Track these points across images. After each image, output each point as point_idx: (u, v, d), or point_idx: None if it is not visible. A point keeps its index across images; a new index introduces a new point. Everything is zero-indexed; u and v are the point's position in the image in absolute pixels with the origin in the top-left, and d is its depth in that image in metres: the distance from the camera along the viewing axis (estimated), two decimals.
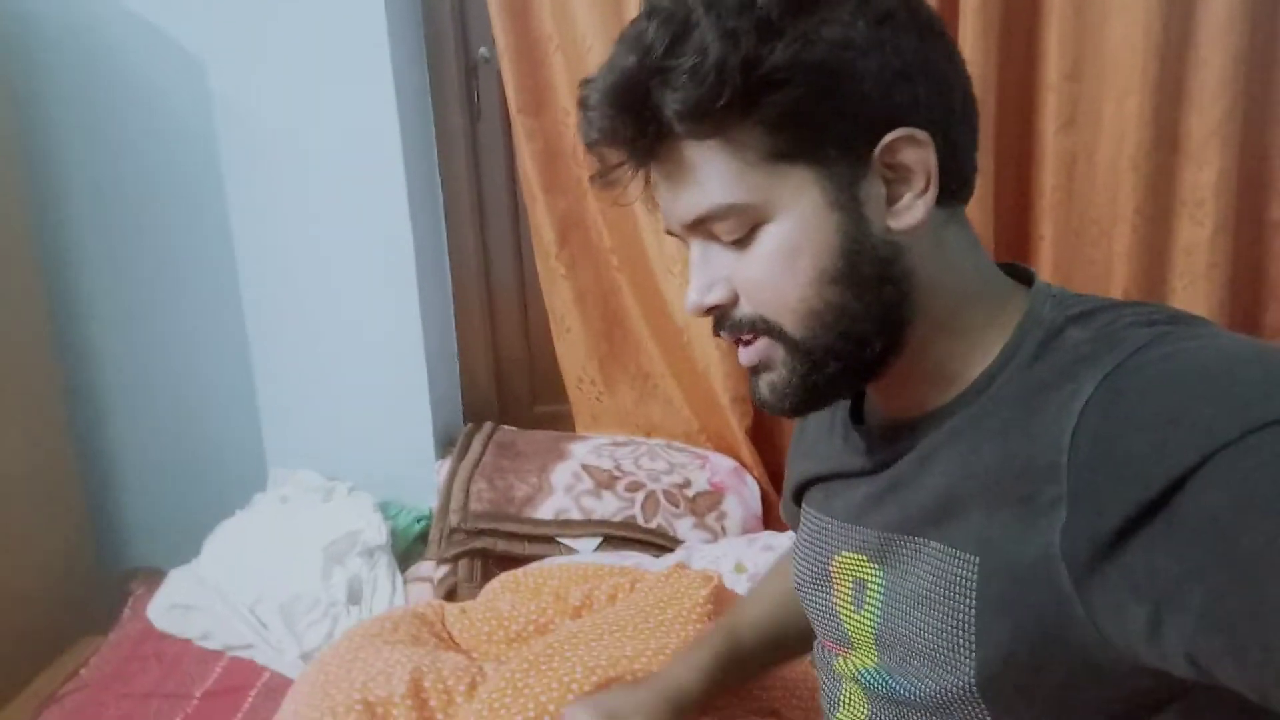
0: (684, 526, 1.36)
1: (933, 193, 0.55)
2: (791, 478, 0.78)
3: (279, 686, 1.22)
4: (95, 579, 1.60)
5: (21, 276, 1.47)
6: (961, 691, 0.55)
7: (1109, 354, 0.50)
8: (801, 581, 0.71)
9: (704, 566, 1.21)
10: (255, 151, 1.48)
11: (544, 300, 1.57)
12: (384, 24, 1.41)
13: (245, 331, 1.56)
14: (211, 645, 1.33)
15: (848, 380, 0.59)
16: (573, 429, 1.65)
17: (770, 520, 1.47)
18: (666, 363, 1.58)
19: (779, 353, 0.57)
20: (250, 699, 1.25)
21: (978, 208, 1.36)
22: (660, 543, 1.34)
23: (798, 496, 0.75)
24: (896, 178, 0.55)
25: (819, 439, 0.72)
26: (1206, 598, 0.42)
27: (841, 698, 0.67)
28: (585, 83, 0.57)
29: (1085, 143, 1.38)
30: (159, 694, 1.27)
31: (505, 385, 1.72)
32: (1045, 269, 1.43)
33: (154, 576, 1.47)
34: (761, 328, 0.57)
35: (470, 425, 1.58)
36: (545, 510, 1.34)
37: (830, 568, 0.66)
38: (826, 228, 0.54)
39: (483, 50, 1.55)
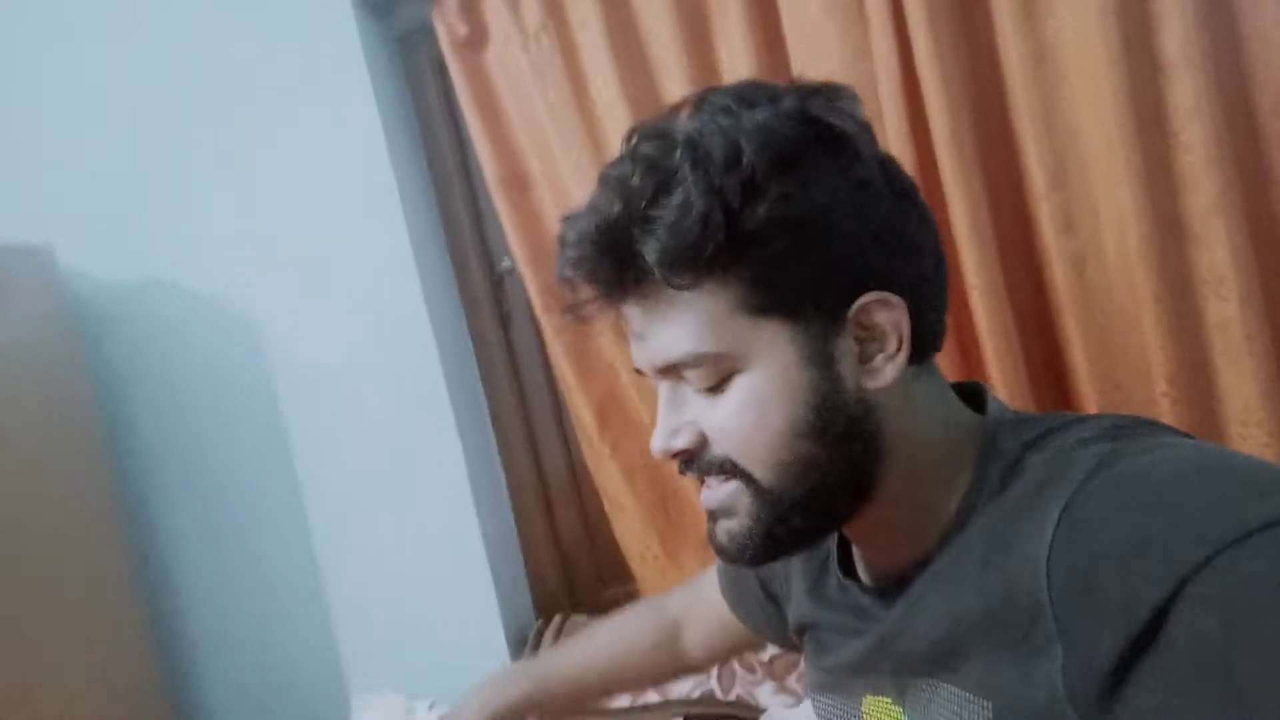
0: (764, 693, 1.31)
1: (904, 354, 0.56)
2: (789, 603, 0.77)
3: None
4: None
5: (107, 531, 1.57)
6: None
7: (1064, 481, 0.51)
8: (828, 718, 0.70)
9: None
10: (312, 393, 1.59)
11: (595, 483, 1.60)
12: (411, 256, 1.54)
13: (317, 564, 1.61)
14: None
15: (809, 533, 0.59)
16: None
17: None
18: None
19: (744, 499, 0.57)
20: None
21: (996, 311, 1.37)
22: (743, 715, 1.29)
23: (799, 632, 0.75)
24: (869, 337, 0.56)
25: (809, 579, 0.72)
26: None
27: None
28: (566, 219, 0.58)
29: (1089, 241, 1.39)
30: None
31: (571, 573, 1.73)
32: (1081, 364, 1.42)
33: None
34: (729, 468, 0.57)
35: (541, 620, 1.58)
36: (622, 697, 1.32)
37: (861, 707, 0.65)
38: (799, 383, 0.55)
39: (505, 262, 1.67)
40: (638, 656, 0.92)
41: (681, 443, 0.58)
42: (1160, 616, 0.43)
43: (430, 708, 1.50)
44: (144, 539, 1.67)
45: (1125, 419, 0.56)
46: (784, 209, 0.53)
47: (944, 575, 0.56)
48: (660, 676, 0.97)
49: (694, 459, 0.58)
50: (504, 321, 1.69)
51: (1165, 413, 1.36)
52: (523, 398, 1.70)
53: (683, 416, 0.58)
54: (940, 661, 0.56)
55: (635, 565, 1.62)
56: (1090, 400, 1.40)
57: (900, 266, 0.56)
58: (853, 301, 0.55)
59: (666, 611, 0.94)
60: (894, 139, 1.38)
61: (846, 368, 0.56)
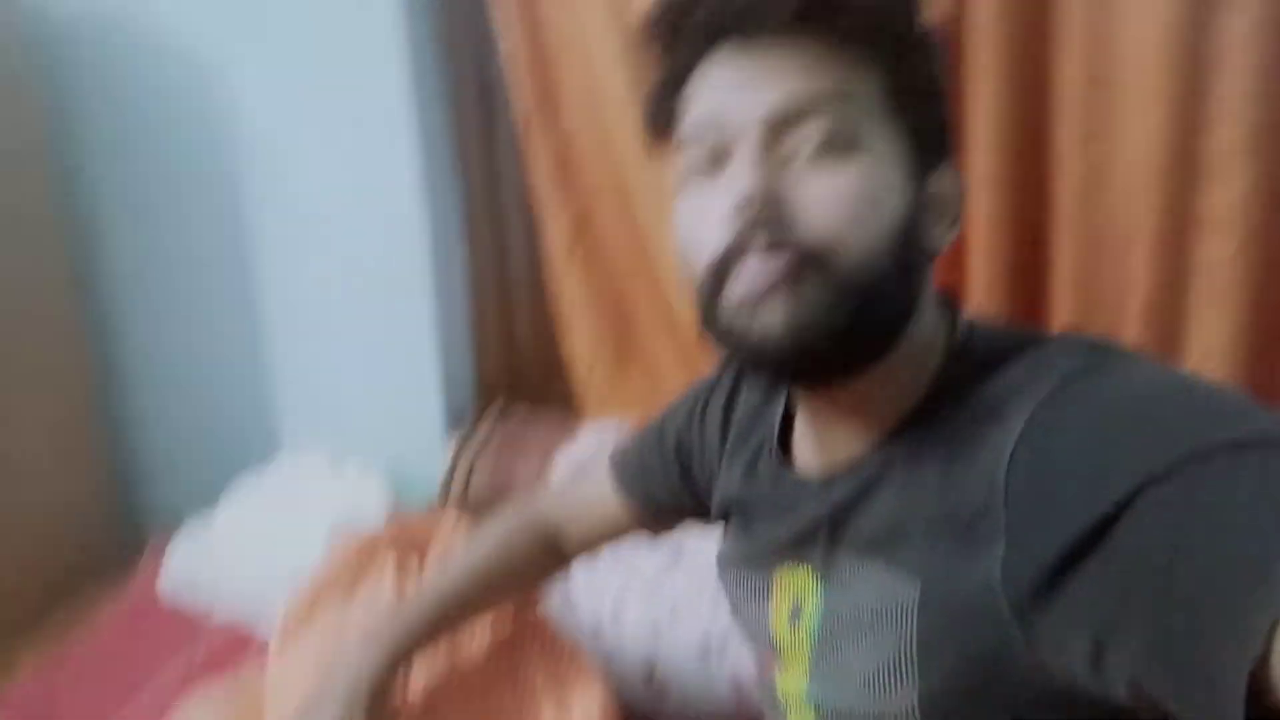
0: None
1: (955, 232, 0.59)
2: (713, 484, 0.78)
3: None
4: (115, 536, 1.66)
5: (52, 258, 1.56)
6: (901, 712, 0.56)
7: (1037, 388, 0.52)
8: (736, 593, 0.72)
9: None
10: (272, 141, 1.51)
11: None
12: (398, 34, 1.42)
13: (262, 317, 1.60)
14: (217, 614, 1.38)
15: (856, 348, 0.56)
16: (584, 412, 1.67)
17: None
18: (677, 356, 1.59)
19: (806, 287, 0.53)
20: (249, 662, 1.29)
21: (995, 204, 1.34)
22: None
23: (722, 512, 0.76)
24: (937, 204, 0.58)
25: (744, 459, 0.73)
26: (1147, 632, 0.42)
27: (785, 715, 0.68)
28: None
29: (1105, 157, 1.35)
30: (167, 649, 1.33)
31: (518, 369, 1.74)
32: (1065, 279, 1.41)
33: (171, 533, 1.52)
34: (809, 253, 0.53)
35: (480, 404, 1.60)
36: None
37: (772, 580, 0.67)
38: (901, 198, 0.56)
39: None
40: (518, 572, 0.92)
41: (776, 194, 0.54)
42: (1111, 519, 0.44)
43: (360, 470, 1.54)
44: (91, 286, 1.64)
45: (1103, 340, 0.57)
46: (932, 42, 0.58)
47: (900, 466, 0.58)
48: (537, 584, 0.97)
49: (770, 221, 0.53)
50: (490, 117, 1.59)
51: (1131, 343, 1.38)
52: (497, 191, 1.64)
53: (775, 180, 0.54)
54: (878, 544, 0.58)
55: (582, 373, 1.64)
56: (1061, 318, 1.41)
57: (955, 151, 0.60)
58: (939, 162, 0.58)
59: (543, 517, 0.94)
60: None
61: (925, 216, 0.58)
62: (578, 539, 0.93)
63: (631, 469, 0.88)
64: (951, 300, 0.63)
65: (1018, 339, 0.58)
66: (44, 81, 1.52)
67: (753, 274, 0.54)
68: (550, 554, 0.93)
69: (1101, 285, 1.42)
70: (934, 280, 0.61)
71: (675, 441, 0.83)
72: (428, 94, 1.52)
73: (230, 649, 1.32)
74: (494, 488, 1.37)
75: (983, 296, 1.38)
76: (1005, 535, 0.50)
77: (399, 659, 0.78)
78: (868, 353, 0.57)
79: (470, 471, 1.39)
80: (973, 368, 0.57)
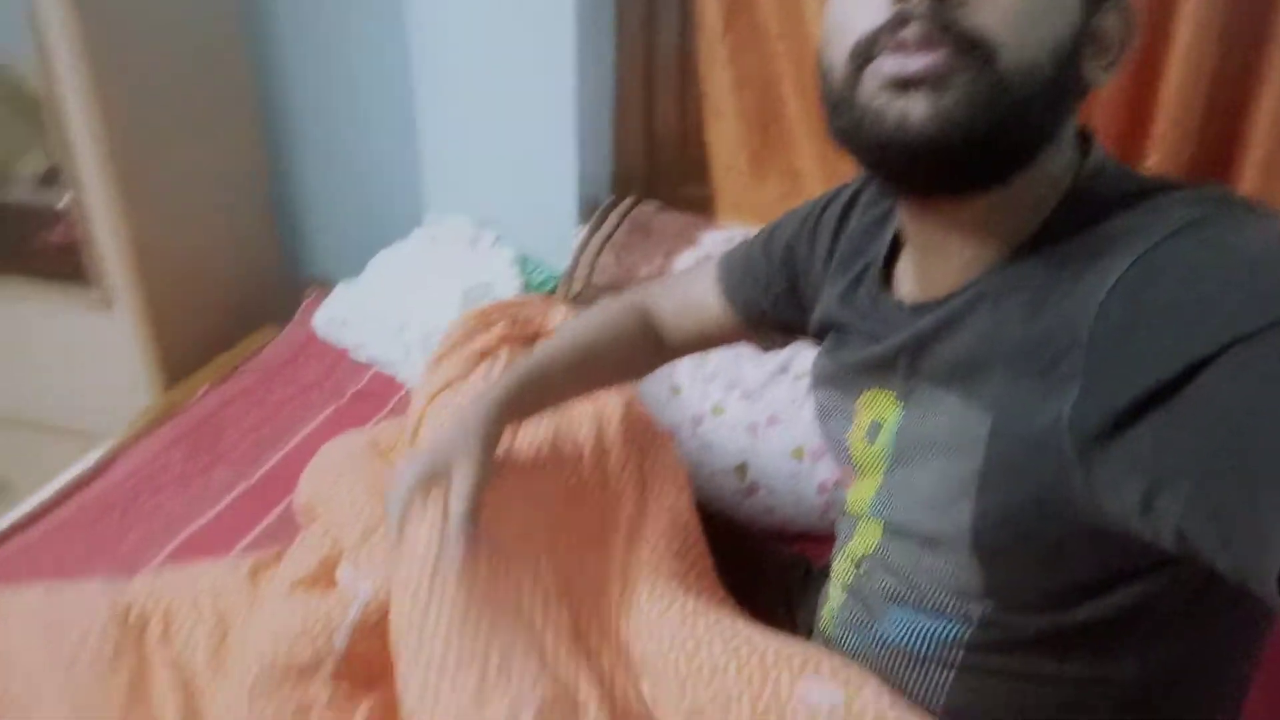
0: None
1: (1114, 71, 0.55)
2: (810, 300, 0.79)
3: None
4: (279, 280, 1.83)
5: (224, 7, 1.60)
6: (955, 539, 0.59)
7: (1148, 233, 0.50)
8: (823, 409, 0.75)
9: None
10: None
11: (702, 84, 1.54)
12: None
13: (413, 77, 1.63)
14: (362, 357, 1.52)
15: (1000, 152, 0.54)
16: (716, 214, 1.67)
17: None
18: (819, 161, 1.54)
19: (965, 78, 0.51)
20: (389, 407, 1.44)
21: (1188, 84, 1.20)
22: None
23: (818, 331, 0.78)
24: (1101, 37, 0.56)
25: (845, 281, 0.73)
26: (1204, 482, 0.43)
27: (856, 530, 0.72)
28: None
29: None
30: (317, 387, 1.48)
31: (657, 161, 1.73)
32: (1256, 158, 1.27)
33: (326, 286, 1.67)
34: (972, 43, 0.51)
35: (613, 197, 1.62)
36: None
37: (856, 401, 0.69)
38: (1069, 15, 0.53)
39: None
40: (620, 355, 0.92)
41: None
42: (1192, 371, 0.44)
43: (494, 242, 1.61)
44: (261, 24, 1.69)
45: (1231, 194, 0.54)
46: None
47: (992, 299, 0.57)
48: (636, 371, 0.98)
49: (941, 11, 0.51)
50: None
51: None
52: None
53: None
54: (959, 374, 0.58)
55: (718, 174, 1.62)
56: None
57: None
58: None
59: (650, 308, 0.94)
60: None
61: (1087, 48, 0.55)
62: (679, 337, 0.94)
63: (737, 274, 0.88)
64: (1089, 137, 0.60)
65: (1144, 184, 0.56)
66: None
67: (904, 57, 0.51)
68: (652, 345, 0.94)
69: None
70: (1112, 128, 0.58)
71: (785, 250, 0.83)
72: None
73: (375, 394, 1.47)
74: (615, 279, 1.41)
75: (1162, 156, 1.26)
76: (1083, 375, 0.50)
77: (505, 414, 0.81)
78: (1001, 165, 0.55)
79: (594, 261, 1.43)
80: (1092, 208, 0.55)
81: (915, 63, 0.51)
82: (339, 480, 0.88)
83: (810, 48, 1.45)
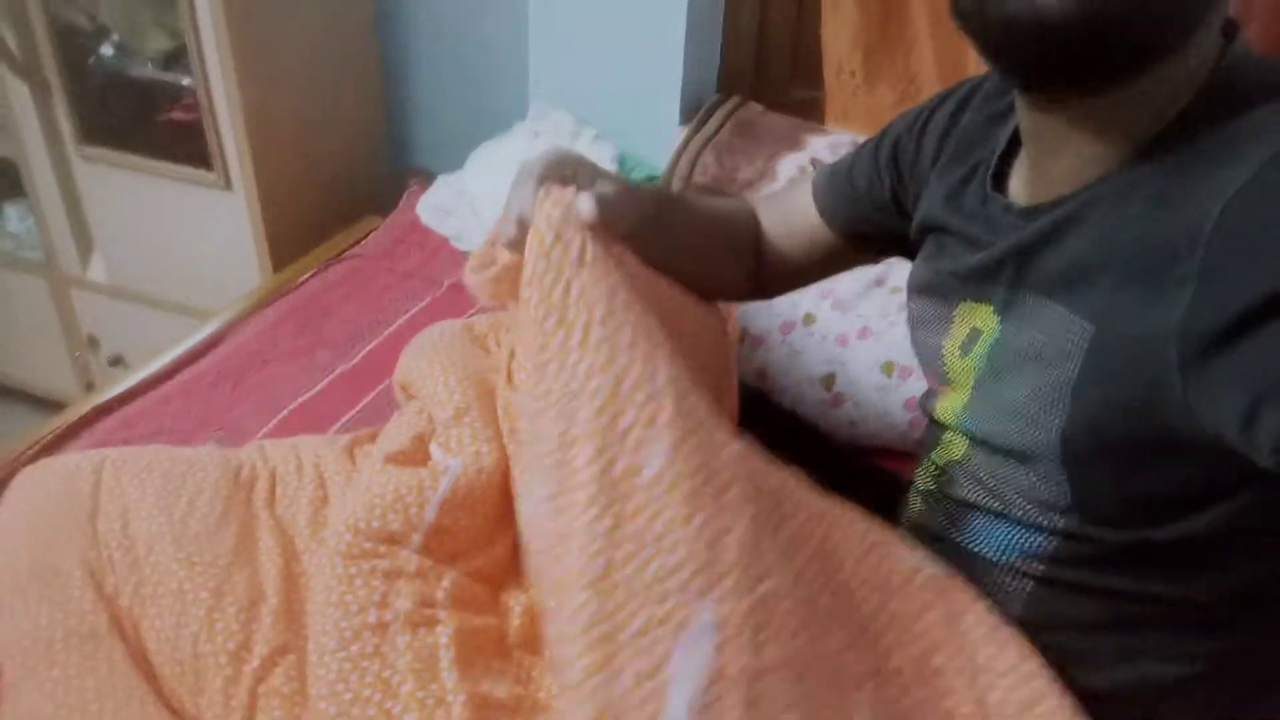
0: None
1: None
2: (913, 199, 0.75)
3: None
4: (383, 169, 1.86)
5: None
6: (1044, 450, 0.58)
7: (1278, 136, 0.47)
8: (918, 318, 0.73)
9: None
10: None
11: None
12: None
13: None
14: (461, 246, 1.55)
15: (1121, 45, 0.50)
16: (823, 120, 1.61)
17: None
18: (937, 66, 1.46)
19: None
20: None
21: None
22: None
23: (920, 232, 0.74)
24: None
25: (953, 182, 0.70)
26: None
27: (942, 439, 0.71)
28: None
29: None
30: (417, 275, 1.52)
31: (767, 61, 1.67)
32: None
33: (428, 176, 1.69)
34: None
35: (718, 96, 1.58)
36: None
37: (953, 312, 0.67)
38: None
39: None
40: (727, 233, 0.85)
41: None
42: None
43: (595, 138, 1.59)
44: None
45: None
46: None
47: (1110, 199, 0.54)
48: (733, 262, 0.87)
49: None
50: None
51: None
52: None
53: None
54: (1064, 282, 0.56)
55: (830, 76, 1.55)
56: None
57: None
58: None
59: (754, 210, 0.89)
60: None
61: None
62: (773, 259, 0.87)
63: (838, 183, 0.83)
64: (1235, 27, 0.54)
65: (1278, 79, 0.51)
66: None
67: None
68: (752, 244, 0.88)
69: None
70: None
71: (891, 149, 0.79)
72: None
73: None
74: (717, 179, 1.39)
75: None
76: (1197, 280, 0.47)
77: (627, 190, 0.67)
78: (1140, 51, 0.50)
79: (695, 161, 1.40)
80: (1227, 104, 0.51)
81: None
82: (434, 361, 0.90)
83: None
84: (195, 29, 1.45)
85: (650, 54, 1.55)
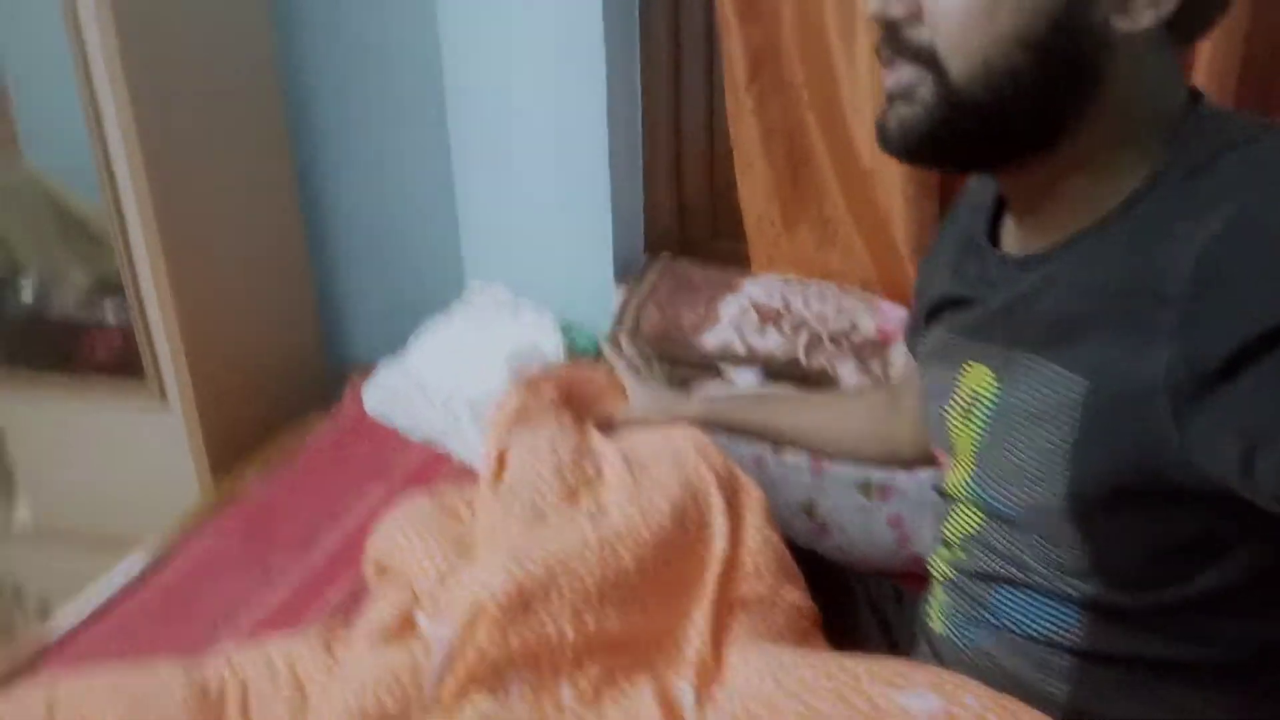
0: (846, 370, 1.36)
1: (1169, 6, 0.52)
2: (925, 299, 0.78)
3: (466, 472, 1.39)
4: (323, 365, 1.84)
5: (264, 101, 1.65)
6: (1053, 510, 0.57)
7: (1251, 185, 0.49)
8: (929, 390, 0.74)
9: None
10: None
11: (730, 136, 1.56)
12: None
13: (450, 155, 1.67)
14: (412, 432, 1.51)
15: (974, 150, 0.58)
16: (750, 267, 1.67)
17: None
18: (849, 208, 1.55)
19: (926, 90, 0.56)
20: (440, 480, 1.42)
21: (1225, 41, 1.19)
22: (820, 384, 1.36)
23: (930, 315, 0.76)
24: None
25: (954, 260, 0.73)
26: None
27: (953, 513, 0.70)
28: None
29: None
30: (368, 467, 1.47)
31: (688, 219, 1.75)
32: None
33: (369, 367, 1.67)
34: (925, 57, 0.56)
35: (649, 256, 1.63)
36: (710, 340, 1.39)
37: (957, 377, 0.68)
38: None
39: None
40: (847, 423, 0.98)
41: (899, 10, 0.57)
42: None
43: (535, 309, 1.62)
44: (298, 111, 1.74)
45: None
46: None
47: (1089, 253, 0.57)
48: (870, 444, 1.00)
49: (896, 33, 0.58)
50: None
51: None
52: (677, 36, 1.61)
53: None
54: (1055, 338, 0.57)
55: (751, 226, 1.63)
56: None
57: None
58: None
59: (900, 393, 0.95)
60: None
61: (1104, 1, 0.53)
62: (910, 416, 0.94)
63: (910, 340, 0.88)
64: (1196, 92, 0.59)
65: (1245, 134, 0.54)
66: None
67: (885, 73, 0.59)
68: (888, 422, 0.96)
69: None
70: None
71: (918, 286, 0.84)
72: None
73: (426, 468, 1.45)
74: (662, 330, 1.41)
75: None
76: (1181, 328, 0.48)
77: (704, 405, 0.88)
78: (1000, 149, 0.58)
79: (638, 315, 1.43)
80: (1191, 162, 0.53)
81: (888, 80, 0.59)
82: (410, 532, 0.86)
83: (835, 94, 1.47)
84: (129, 255, 1.45)
85: (579, 223, 1.61)
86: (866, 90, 1.40)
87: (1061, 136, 0.56)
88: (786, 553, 0.85)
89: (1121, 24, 0.53)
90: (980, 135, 0.56)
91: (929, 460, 0.94)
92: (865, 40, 1.35)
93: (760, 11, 1.46)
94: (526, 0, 1.51)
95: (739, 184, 1.60)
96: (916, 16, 0.55)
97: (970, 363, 0.66)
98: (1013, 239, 0.66)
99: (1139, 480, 0.52)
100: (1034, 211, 0.62)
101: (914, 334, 0.84)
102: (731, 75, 1.51)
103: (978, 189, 0.76)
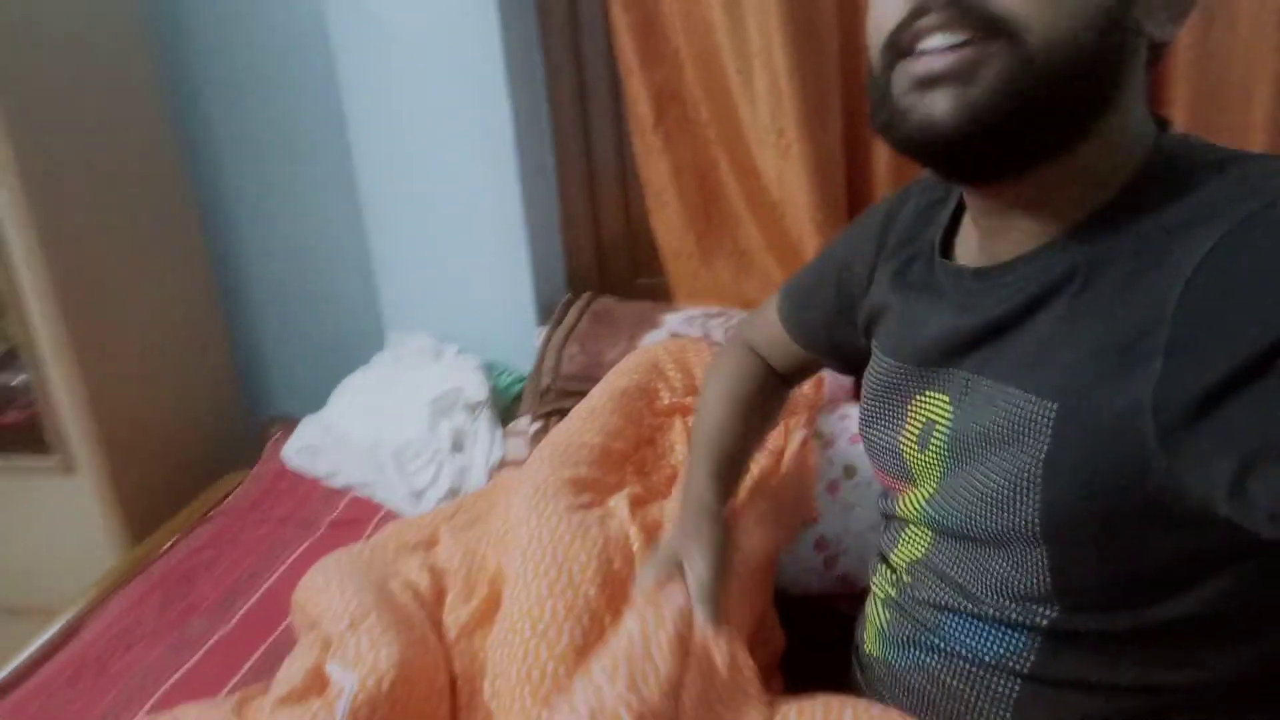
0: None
1: (1182, 21, 0.54)
2: (861, 299, 0.78)
3: (392, 519, 1.36)
4: (241, 424, 1.80)
5: (167, 158, 1.64)
6: (1019, 531, 0.56)
7: (1241, 204, 0.48)
8: (872, 415, 0.72)
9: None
10: (363, 35, 1.55)
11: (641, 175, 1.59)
12: None
13: (361, 207, 1.67)
14: (336, 483, 1.49)
15: (1039, 131, 0.53)
16: (671, 300, 1.69)
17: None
18: (762, 238, 1.58)
19: (995, 66, 0.50)
20: (369, 529, 1.40)
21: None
22: None
23: (868, 324, 0.76)
24: None
25: (899, 265, 0.72)
26: None
27: (900, 538, 0.69)
28: None
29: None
30: (292, 521, 1.44)
31: (607, 257, 1.77)
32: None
33: (290, 423, 1.64)
34: (997, 26, 0.50)
35: (570, 295, 1.64)
36: None
37: (909, 407, 0.67)
38: None
39: None
40: (770, 397, 0.94)
41: None
42: None
43: (458, 353, 1.61)
44: (205, 168, 1.73)
45: None
46: None
47: (1077, 280, 0.54)
48: (783, 403, 1.00)
49: (962, 1, 0.51)
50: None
51: None
52: (581, 75, 1.64)
53: None
54: (1022, 368, 0.56)
55: (669, 261, 1.65)
56: None
57: None
58: None
59: (754, 346, 0.96)
60: None
61: (1145, 1, 0.52)
62: (783, 368, 0.95)
63: (794, 301, 0.89)
64: (1164, 120, 0.59)
65: (1227, 157, 0.53)
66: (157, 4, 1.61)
67: (931, 60, 0.51)
68: (775, 376, 0.95)
69: (1218, 137, 1.32)
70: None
71: (836, 265, 0.82)
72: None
73: (350, 520, 1.42)
74: (583, 367, 1.41)
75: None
76: (1165, 354, 0.48)
77: (718, 504, 0.81)
78: (1050, 142, 0.54)
79: (560, 353, 1.43)
80: (1172, 181, 0.53)
81: (936, 61, 0.51)
82: (330, 575, 0.85)
83: (739, 131, 1.51)
84: (29, 329, 1.42)
85: (498, 266, 1.62)
86: (767, 125, 1.45)
87: (1083, 138, 0.54)
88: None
89: (1151, 29, 0.53)
90: (1048, 111, 0.51)
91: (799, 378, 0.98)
92: (762, 77, 1.40)
93: (660, 54, 1.50)
94: (429, 53, 1.53)
95: (653, 220, 1.62)
96: None
97: (927, 393, 0.65)
98: (970, 252, 0.64)
99: (1117, 501, 0.51)
100: (1004, 226, 0.59)
101: (810, 310, 0.85)
102: (637, 117, 1.54)
103: (925, 192, 0.75)
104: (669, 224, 1.61)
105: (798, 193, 1.46)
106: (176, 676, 1.11)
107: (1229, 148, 0.55)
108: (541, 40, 1.61)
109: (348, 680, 0.69)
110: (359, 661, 0.71)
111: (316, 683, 0.77)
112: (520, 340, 1.62)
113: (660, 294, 1.71)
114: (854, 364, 0.85)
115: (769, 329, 0.93)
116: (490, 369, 1.58)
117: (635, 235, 1.74)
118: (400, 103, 1.57)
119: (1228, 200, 0.49)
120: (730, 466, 0.86)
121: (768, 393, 0.94)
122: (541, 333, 1.58)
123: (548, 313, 1.64)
